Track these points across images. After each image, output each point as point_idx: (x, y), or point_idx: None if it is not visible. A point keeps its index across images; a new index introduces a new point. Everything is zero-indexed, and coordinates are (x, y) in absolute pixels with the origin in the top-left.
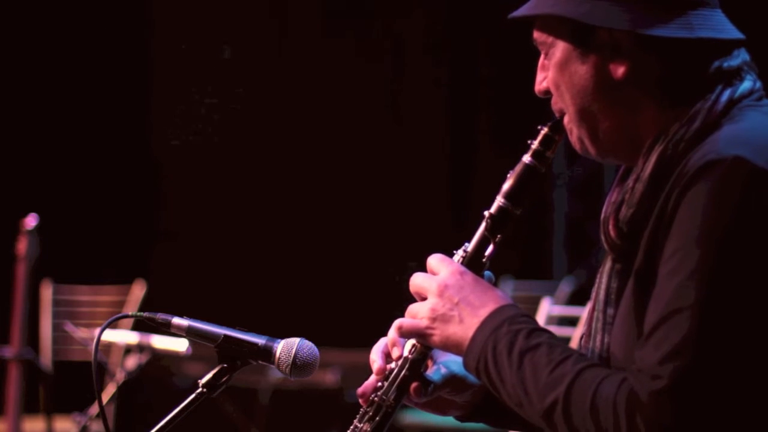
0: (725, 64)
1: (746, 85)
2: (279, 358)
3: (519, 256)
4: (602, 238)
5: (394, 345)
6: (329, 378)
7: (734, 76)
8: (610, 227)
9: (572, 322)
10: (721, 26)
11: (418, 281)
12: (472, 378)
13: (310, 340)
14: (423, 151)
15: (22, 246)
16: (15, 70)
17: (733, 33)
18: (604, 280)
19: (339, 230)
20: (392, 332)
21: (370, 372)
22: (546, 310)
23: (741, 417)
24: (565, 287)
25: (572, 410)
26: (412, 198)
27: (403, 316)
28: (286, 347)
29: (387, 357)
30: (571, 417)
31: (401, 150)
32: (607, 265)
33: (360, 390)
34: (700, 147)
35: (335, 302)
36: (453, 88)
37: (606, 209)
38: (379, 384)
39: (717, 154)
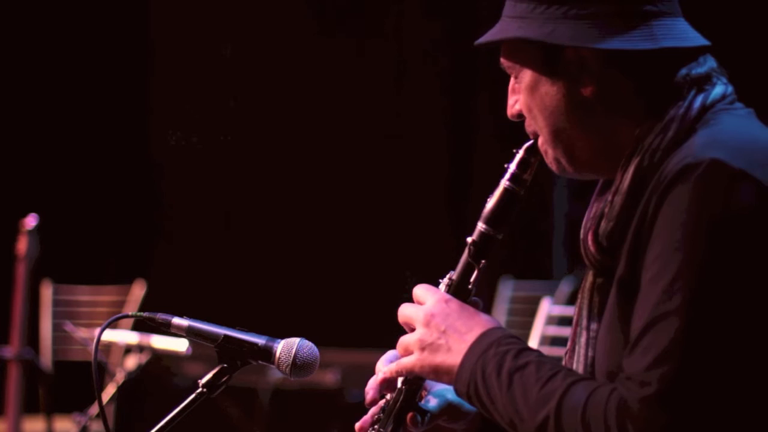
0: (693, 72)
1: (718, 89)
2: (279, 358)
3: (519, 256)
4: (582, 254)
5: (384, 379)
6: (329, 378)
7: (705, 81)
8: (590, 243)
9: (572, 322)
10: (685, 34)
11: (405, 312)
12: (467, 406)
13: (310, 340)
14: (423, 152)
15: (22, 246)
16: (15, 71)
17: (697, 40)
18: (586, 295)
19: (339, 230)
20: (381, 364)
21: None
22: (546, 310)
23: (732, 420)
24: (565, 287)
25: (564, 424)
26: (412, 199)
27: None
28: (286, 347)
29: (381, 390)
30: (563, 431)
31: (402, 151)
32: (588, 280)
33: (358, 425)
34: (676, 153)
35: (335, 302)
36: (452, 90)
37: (585, 225)
38: (376, 416)
39: (694, 158)
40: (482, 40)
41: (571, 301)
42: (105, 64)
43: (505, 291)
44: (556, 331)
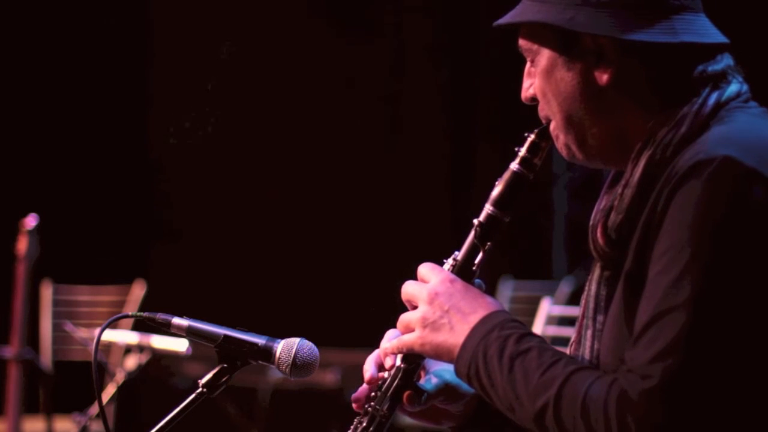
0: (709, 68)
1: (733, 87)
2: (279, 358)
3: (519, 256)
4: (590, 245)
5: (386, 355)
6: (329, 378)
7: (720, 79)
8: (599, 234)
9: (572, 322)
10: (705, 31)
11: (408, 290)
12: (465, 386)
13: (310, 340)
14: (423, 150)
15: (22, 246)
16: (15, 71)
17: (716, 37)
18: (593, 287)
19: (339, 230)
20: (384, 342)
21: None
22: (546, 310)
23: (732, 415)
24: (565, 287)
25: (563, 412)
26: (412, 198)
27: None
28: (286, 347)
29: (380, 367)
30: (562, 419)
31: (402, 149)
32: (596, 272)
33: (354, 395)
34: (688, 149)
35: (335, 302)
36: (453, 89)
37: (594, 216)
38: (373, 393)
39: (706, 155)
40: (501, 21)
41: (570, 301)
42: (105, 64)
43: (505, 291)
44: (556, 331)
